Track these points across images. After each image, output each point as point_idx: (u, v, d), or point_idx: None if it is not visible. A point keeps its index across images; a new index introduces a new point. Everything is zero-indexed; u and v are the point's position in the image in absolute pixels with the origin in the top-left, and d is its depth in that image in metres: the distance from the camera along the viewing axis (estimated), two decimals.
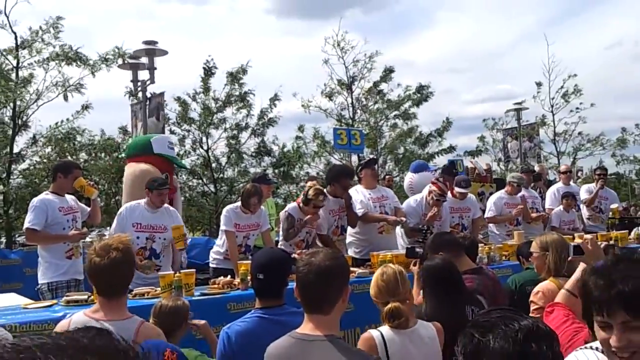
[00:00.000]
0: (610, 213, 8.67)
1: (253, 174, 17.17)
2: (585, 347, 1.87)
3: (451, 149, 19.18)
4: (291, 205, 6.38)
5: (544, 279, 3.85)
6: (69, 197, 5.62)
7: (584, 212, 8.81)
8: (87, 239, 5.53)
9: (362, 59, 17.85)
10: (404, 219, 6.44)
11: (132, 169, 6.74)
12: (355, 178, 6.91)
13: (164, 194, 5.47)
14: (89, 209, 5.78)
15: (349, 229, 6.70)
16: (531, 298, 3.78)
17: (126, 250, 2.73)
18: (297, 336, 2.27)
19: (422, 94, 18.77)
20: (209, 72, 16.53)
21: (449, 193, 7.11)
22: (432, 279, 3.54)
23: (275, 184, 8.49)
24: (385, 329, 3.00)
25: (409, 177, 8.40)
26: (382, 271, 3.19)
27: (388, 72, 18.24)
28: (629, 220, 9.32)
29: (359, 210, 6.49)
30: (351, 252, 6.52)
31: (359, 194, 6.55)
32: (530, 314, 3.76)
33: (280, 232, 6.35)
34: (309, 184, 6.26)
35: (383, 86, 18.58)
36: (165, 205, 5.64)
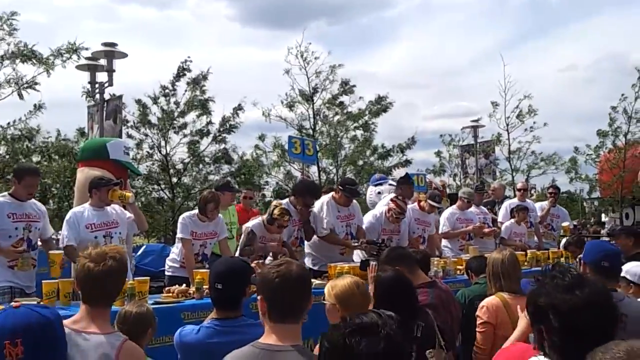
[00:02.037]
0: (562, 231, 8.91)
1: (214, 181, 17.05)
2: (536, 355, 2.01)
3: (407, 162, 19.47)
4: (255, 221, 6.32)
5: (491, 294, 3.94)
6: (34, 205, 5.41)
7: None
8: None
9: (324, 70, 17.96)
10: (364, 241, 6.48)
11: (84, 174, 6.55)
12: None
13: (107, 192, 5.37)
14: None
15: (309, 242, 6.72)
16: (477, 312, 3.86)
17: (122, 260, 2.66)
18: (262, 346, 2.25)
19: (381, 105, 18.97)
20: (182, 72, 16.36)
21: (416, 204, 7.26)
22: (383, 290, 3.55)
23: (238, 192, 8.39)
24: None
25: (371, 191, 8.41)
26: (356, 281, 3.17)
27: (346, 86, 18.36)
28: (578, 237, 9.58)
29: (322, 230, 6.50)
30: (308, 263, 6.53)
31: (329, 211, 6.53)
32: (477, 329, 3.83)
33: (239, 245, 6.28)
34: (274, 202, 6.23)
35: (344, 98, 18.73)
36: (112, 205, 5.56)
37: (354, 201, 6.85)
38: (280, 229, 6.01)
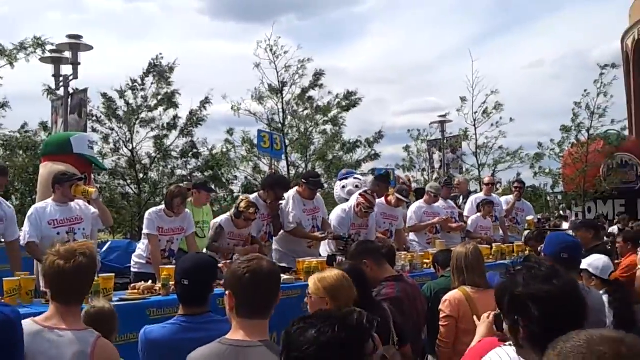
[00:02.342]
0: (526, 224, 9.07)
1: (181, 176, 16.89)
2: (501, 346, 2.08)
3: (376, 155, 19.59)
4: (223, 216, 6.29)
5: (454, 288, 3.98)
6: (2, 205, 5.30)
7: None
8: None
9: (294, 64, 17.91)
10: (331, 232, 6.51)
11: (48, 168, 6.43)
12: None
13: (67, 187, 5.26)
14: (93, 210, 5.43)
15: (277, 237, 6.72)
16: (440, 306, 3.90)
17: (92, 256, 2.60)
18: (229, 342, 2.23)
19: (350, 100, 19.03)
20: (153, 68, 16.12)
21: (383, 199, 7.31)
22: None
23: (214, 192, 8.25)
24: None
25: (337, 185, 8.43)
26: (344, 274, 3.14)
27: (318, 77, 18.35)
28: (538, 232, 9.78)
29: (289, 224, 6.52)
30: (274, 259, 6.54)
31: (295, 205, 6.54)
32: (440, 322, 3.87)
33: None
34: (241, 197, 6.22)
35: (313, 93, 18.72)
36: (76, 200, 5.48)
37: (318, 194, 6.88)
38: (247, 222, 5.99)
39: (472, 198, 9.23)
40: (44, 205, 5.27)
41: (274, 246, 6.75)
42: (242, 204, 5.93)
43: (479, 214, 8.51)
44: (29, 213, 5.28)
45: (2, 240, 5.42)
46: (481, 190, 10.08)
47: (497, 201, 9.16)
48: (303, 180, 6.74)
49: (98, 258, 5.70)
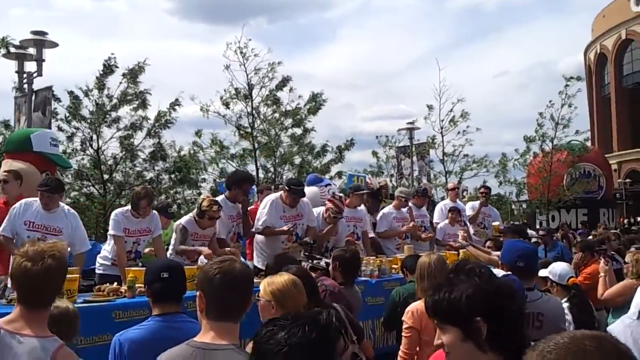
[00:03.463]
0: (492, 230, 9.20)
1: (147, 178, 16.64)
2: None
3: (340, 159, 19.64)
4: (186, 217, 6.20)
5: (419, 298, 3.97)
6: None
7: (471, 228, 9.28)
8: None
9: (264, 67, 17.85)
10: (307, 240, 6.42)
11: (6, 167, 6.29)
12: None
13: (45, 197, 5.12)
14: None
15: (256, 239, 6.68)
16: (403, 317, 3.87)
17: (61, 258, 2.48)
18: (197, 345, 2.19)
19: (316, 102, 18.99)
20: (108, 69, 15.82)
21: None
22: None
23: (173, 217, 7.94)
24: None
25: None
26: (294, 280, 3.10)
27: (285, 82, 18.30)
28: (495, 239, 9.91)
29: (258, 225, 6.47)
30: (255, 261, 6.56)
31: (270, 210, 6.47)
32: (402, 333, 3.86)
33: (172, 244, 6.13)
34: (202, 196, 6.15)
35: (282, 95, 18.63)
36: (67, 208, 5.42)
37: (306, 201, 6.78)
38: (211, 221, 5.91)
39: (440, 205, 9.33)
40: (31, 201, 5.17)
41: (255, 247, 6.71)
42: (205, 203, 5.87)
43: (446, 221, 8.59)
44: (13, 206, 5.16)
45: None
46: (447, 196, 10.17)
47: (462, 207, 9.27)
48: (286, 187, 6.63)
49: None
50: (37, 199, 5.18)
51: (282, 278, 3.09)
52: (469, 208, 9.45)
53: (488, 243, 7.32)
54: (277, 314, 2.99)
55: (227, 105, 18.09)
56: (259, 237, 6.68)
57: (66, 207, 5.43)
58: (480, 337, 1.79)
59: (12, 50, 11.46)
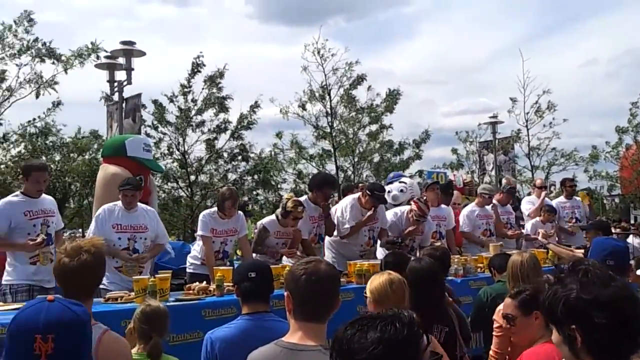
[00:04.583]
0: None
1: (231, 179, 17.08)
2: None
3: (418, 156, 19.38)
4: (268, 218, 6.31)
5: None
6: (47, 200, 5.38)
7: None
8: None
9: (341, 67, 17.89)
10: (394, 239, 6.51)
11: (103, 171, 6.61)
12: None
13: (128, 196, 5.33)
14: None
15: (331, 240, 6.69)
16: (494, 316, 3.77)
17: (97, 253, 2.63)
18: (285, 345, 2.21)
19: (393, 98, 18.77)
20: (197, 68, 16.38)
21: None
22: (415, 280, 3.51)
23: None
24: None
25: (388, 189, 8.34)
26: (391, 279, 3.16)
27: (360, 80, 18.22)
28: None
29: (345, 228, 6.49)
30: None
31: (352, 213, 6.48)
32: (493, 332, 3.76)
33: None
34: (287, 195, 6.20)
35: (358, 94, 18.56)
36: (144, 206, 5.58)
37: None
38: (295, 221, 5.98)
39: (527, 199, 9.05)
40: (112, 206, 5.36)
41: (326, 249, 6.71)
42: (289, 203, 5.92)
43: (538, 219, 8.29)
44: (97, 213, 5.38)
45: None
46: (533, 192, 9.80)
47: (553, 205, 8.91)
48: (368, 192, 6.53)
49: (152, 261, 5.86)
50: (117, 202, 5.36)
51: (381, 278, 3.15)
52: (527, 202, 9.08)
53: None
54: (376, 312, 3.02)
55: (303, 107, 18.29)
56: (334, 240, 6.67)
57: (143, 205, 5.57)
58: (575, 345, 1.74)
59: (103, 59, 12.04)
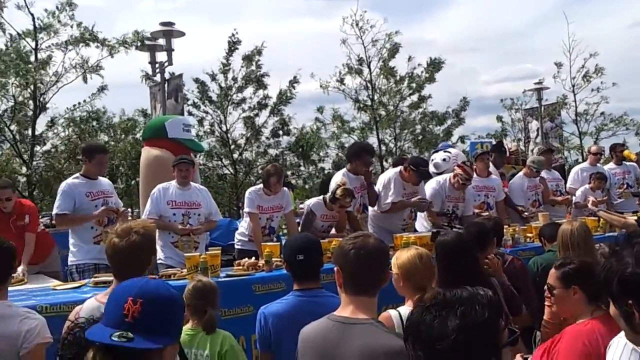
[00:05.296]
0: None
1: (273, 155, 17.21)
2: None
3: (459, 122, 19.04)
4: (314, 200, 6.31)
5: None
6: (104, 181, 5.60)
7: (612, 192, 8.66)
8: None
9: (381, 38, 17.64)
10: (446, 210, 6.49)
11: (145, 154, 6.73)
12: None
13: (183, 170, 5.43)
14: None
15: (371, 215, 6.65)
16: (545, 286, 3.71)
17: (147, 235, 2.70)
18: (337, 319, 2.24)
19: (435, 67, 18.36)
20: (233, 46, 16.47)
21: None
22: (444, 254, 3.48)
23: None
24: (403, 309, 2.97)
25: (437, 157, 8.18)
26: (420, 253, 3.13)
27: (395, 50, 17.90)
28: None
29: (387, 202, 6.41)
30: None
31: (395, 188, 6.41)
32: (546, 302, 3.70)
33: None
34: (338, 181, 6.15)
35: (397, 64, 18.25)
36: (197, 185, 5.71)
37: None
38: (341, 209, 5.99)
39: (577, 169, 8.83)
40: (167, 185, 5.48)
41: (369, 224, 6.69)
42: (339, 191, 5.89)
43: (587, 186, 8.09)
44: (152, 191, 5.50)
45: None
46: (585, 159, 9.53)
47: (604, 171, 8.66)
48: (412, 167, 6.40)
49: (207, 238, 5.98)
50: (171, 182, 5.46)
51: (409, 252, 3.12)
52: (581, 170, 8.80)
53: None
54: (404, 287, 3.03)
55: (341, 81, 18.13)
56: (375, 214, 6.62)
57: (195, 184, 5.69)
58: (632, 319, 1.72)
59: (144, 43, 12.19)
